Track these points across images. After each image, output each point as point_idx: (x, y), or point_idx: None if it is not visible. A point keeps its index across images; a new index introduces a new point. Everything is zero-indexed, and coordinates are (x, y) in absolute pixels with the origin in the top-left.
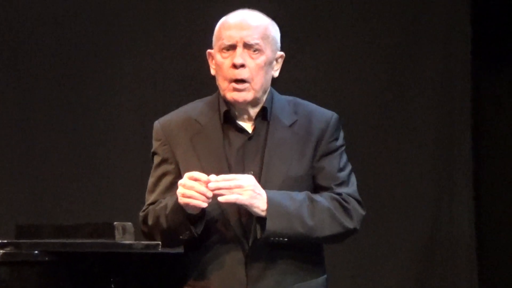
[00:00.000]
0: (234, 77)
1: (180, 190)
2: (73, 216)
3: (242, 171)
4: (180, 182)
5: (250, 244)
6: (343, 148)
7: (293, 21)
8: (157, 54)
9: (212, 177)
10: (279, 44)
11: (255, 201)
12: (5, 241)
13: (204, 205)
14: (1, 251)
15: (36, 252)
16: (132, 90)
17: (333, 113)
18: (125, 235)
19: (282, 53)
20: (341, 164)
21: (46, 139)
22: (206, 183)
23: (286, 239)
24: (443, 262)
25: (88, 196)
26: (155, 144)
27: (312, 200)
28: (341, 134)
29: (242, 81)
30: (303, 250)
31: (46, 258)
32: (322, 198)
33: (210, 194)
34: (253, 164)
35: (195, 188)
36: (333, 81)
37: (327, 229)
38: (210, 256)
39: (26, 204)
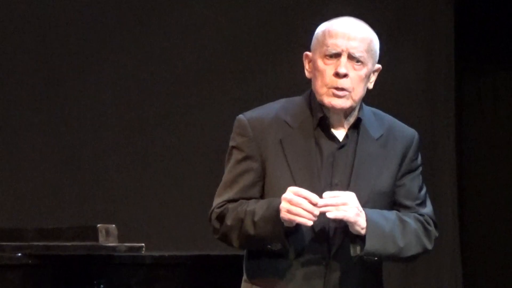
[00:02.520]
0: (335, 86)
1: (285, 205)
2: (56, 219)
3: (330, 179)
4: (285, 196)
5: (331, 257)
6: (422, 167)
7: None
8: (140, 55)
9: (317, 198)
10: (378, 57)
11: (358, 218)
12: None
13: (311, 223)
14: None
15: (19, 255)
16: (115, 92)
17: (415, 130)
18: (108, 238)
19: (379, 65)
20: (420, 183)
21: (28, 141)
22: (314, 203)
23: (376, 258)
24: (428, 262)
25: (71, 199)
26: (239, 139)
27: (402, 221)
28: (419, 154)
29: (342, 89)
30: (371, 266)
31: (30, 261)
32: (409, 219)
33: (317, 212)
34: (341, 174)
35: (303, 206)
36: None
37: (412, 250)
38: (287, 262)
39: (8, 207)
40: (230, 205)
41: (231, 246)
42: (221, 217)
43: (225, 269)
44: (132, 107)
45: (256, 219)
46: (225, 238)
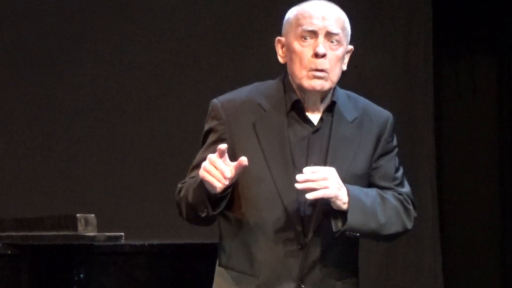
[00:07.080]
0: (315, 67)
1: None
2: (35, 209)
3: (305, 163)
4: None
5: (310, 237)
6: (397, 149)
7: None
8: (116, 41)
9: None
10: (349, 38)
11: (339, 193)
12: None
13: (218, 184)
14: None
15: None
16: (92, 81)
17: (389, 112)
18: (87, 227)
19: (352, 47)
20: (397, 164)
21: (5, 131)
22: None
23: (358, 234)
24: (407, 243)
25: (50, 188)
26: (212, 122)
27: (382, 198)
28: (395, 135)
29: (322, 70)
30: (348, 248)
31: (9, 251)
32: (389, 196)
33: (228, 174)
34: (316, 158)
35: (216, 164)
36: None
37: (393, 228)
38: (262, 243)
39: None
40: (189, 179)
41: (187, 220)
42: (180, 191)
43: (204, 257)
44: (109, 95)
45: (195, 186)
46: (180, 211)
